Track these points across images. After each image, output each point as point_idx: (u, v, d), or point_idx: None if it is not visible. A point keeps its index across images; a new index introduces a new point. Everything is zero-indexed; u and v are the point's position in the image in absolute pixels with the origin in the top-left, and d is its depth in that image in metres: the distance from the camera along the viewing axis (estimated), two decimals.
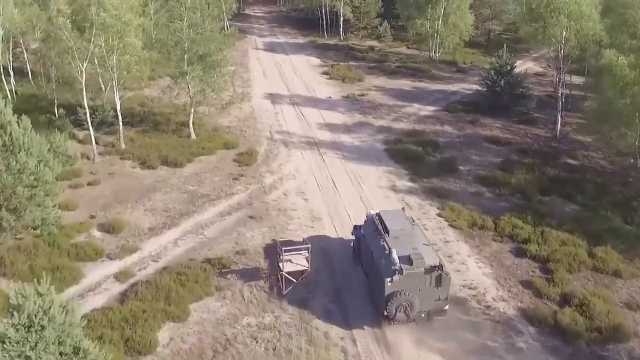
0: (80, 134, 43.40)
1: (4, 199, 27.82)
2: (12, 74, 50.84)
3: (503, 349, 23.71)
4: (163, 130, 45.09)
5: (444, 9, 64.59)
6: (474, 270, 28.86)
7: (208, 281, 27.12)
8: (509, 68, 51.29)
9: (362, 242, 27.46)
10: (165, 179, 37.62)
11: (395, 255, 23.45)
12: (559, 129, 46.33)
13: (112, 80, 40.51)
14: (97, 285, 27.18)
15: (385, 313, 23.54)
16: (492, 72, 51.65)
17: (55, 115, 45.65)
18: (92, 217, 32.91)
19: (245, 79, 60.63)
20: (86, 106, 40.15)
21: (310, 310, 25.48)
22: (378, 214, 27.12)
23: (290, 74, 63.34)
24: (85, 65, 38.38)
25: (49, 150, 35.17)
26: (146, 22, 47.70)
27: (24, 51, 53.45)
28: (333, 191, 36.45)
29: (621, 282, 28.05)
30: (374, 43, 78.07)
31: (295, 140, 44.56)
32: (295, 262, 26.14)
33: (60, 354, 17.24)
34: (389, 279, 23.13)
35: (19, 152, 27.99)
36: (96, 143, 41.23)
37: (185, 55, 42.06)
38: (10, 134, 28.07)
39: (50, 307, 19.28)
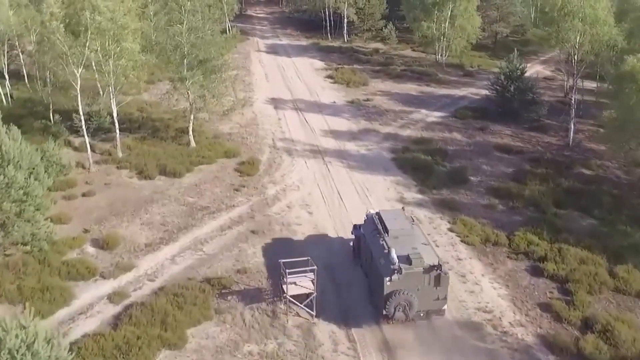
0: (76, 141, 41.83)
1: None
2: (7, 77, 49.33)
3: None
4: (162, 137, 43.49)
5: (451, 11, 62.90)
6: (489, 291, 27.25)
7: (207, 303, 25.53)
8: (519, 73, 49.65)
9: (361, 242, 27.46)
10: (163, 189, 36.04)
11: (394, 255, 23.55)
12: (571, 137, 44.68)
13: (109, 86, 38.93)
14: (89, 307, 25.62)
15: (384, 312, 23.62)
16: (502, 77, 50.03)
17: (50, 120, 44.13)
18: (86, 231, 31.37)
19: (247, 82, 59.00)
20: (81, 113, 38.59)
21: (316, 337, 23.91)
22: (378, 214, 27.07)
23: (294, 77, 61.73)
24: (80, 70, 36.83)
25: (42, 159, 33.79)
26: (145, 25, 46.14)
27: (20, 54, 51.90)
28: (339, 203, 34.85)
29: None
30: (379, 45, 76.45)
31: (299, 148, 42.96)
32: (300, 285, 24.57)
33: None
34: (388, 278, 23.25)
35: (7, 166, 26.42)
36: (92, 151, 39.71)
37: (185, 60, 40.48)
38: None
39: (34, 340, 17.82)
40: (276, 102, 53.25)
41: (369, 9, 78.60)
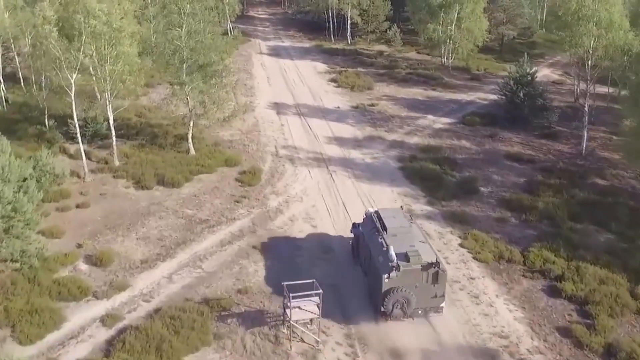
0: (72, 148, 40.34)
1: None
2: (2, 80, 47.86)
3: None
4: (160, 144, 41.93)
5: (458, 13, 61.35)
6: (504, 314, 25.73)
7: (205, 327, 24.01)
8: (529, 78, 48.09)
9: (360, 240, 27.55)
10: (161, 201, 34.55)
11: (392, 252, 23.64)
12: (584, 145, 43.14)
13: (105, 91, 37.43)
14: (81, 330, 24.12)
15: (382, 309, 23.67)
16: (511, 82, 48.50)
17: (46, 126, 42.65)
18: (80, 246, 29.88)
19: (249, 86, 57.45)
20: (76, 120, 37.11)
21: None
22: (377, 212, 27.39)
23: (296, 80, 60.18)
24: (75, 76, 35.34)
25: (34, 168, 32.33)
26: (144, 27, 44.64)
27: (16, 56, 50.42)
28: (344, 216, 33.31)
29: None
30: (383, 48, 74.85)
31: (302, 157, 41.44)
32: (305, 309, 23.06)
33: None
34: (386, 276, 23.30)
35: None
36: (88, 159, 38.26)
37: (184, 65, 38.97)
38: None
39: None
40: (278, 107, 51.73)
41: (373, 11, 76.93)
